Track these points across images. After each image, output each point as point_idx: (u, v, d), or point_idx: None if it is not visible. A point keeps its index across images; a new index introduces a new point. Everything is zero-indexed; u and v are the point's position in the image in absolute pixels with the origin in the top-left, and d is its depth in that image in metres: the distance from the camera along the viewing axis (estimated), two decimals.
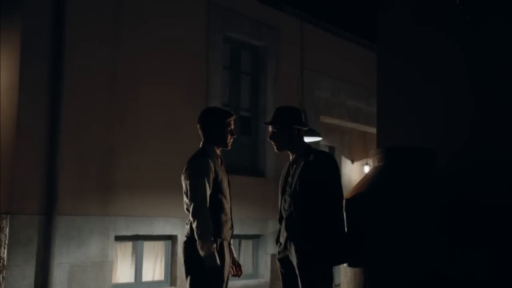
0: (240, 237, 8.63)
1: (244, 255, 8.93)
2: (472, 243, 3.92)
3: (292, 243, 4.05)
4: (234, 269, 4.41)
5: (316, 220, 3.96)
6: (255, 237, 8.97)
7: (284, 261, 4.18)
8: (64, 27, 6.71)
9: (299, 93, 9.55)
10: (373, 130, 11.96)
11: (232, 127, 4.32)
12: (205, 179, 4.09)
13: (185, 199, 4.21)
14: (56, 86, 6.63)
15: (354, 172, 13.24)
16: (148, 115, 7.52)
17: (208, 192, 4.10)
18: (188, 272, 4.17)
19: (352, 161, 13.35)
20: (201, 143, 4.31)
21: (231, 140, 4.34)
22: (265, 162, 9.11)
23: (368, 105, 11.22)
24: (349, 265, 4.05)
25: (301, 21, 9.92)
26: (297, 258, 3.98)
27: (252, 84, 9.37)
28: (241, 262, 8.65)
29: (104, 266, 6.92)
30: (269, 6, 9.37)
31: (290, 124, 4.18)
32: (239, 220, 7.30)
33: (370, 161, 13.35)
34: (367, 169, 13.23)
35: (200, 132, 4.31)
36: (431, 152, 4.15)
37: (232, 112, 4.39)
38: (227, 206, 4.26)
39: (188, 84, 8.07)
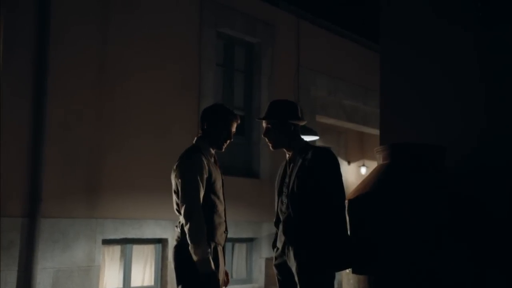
0: (233, 241, 8.49)
1: (238, 259, 8.79)
2: (487, 249, 3.67)
3: (290, 248, 3.78)
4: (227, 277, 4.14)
5: (316, 222, 3.69)
6: (249, 240, 8.83)
7: (281, 267, 3.91)
8: (49, 20, 6.54)
9: (294, 92, 9.45)
10: (370, 130, 12.01)
11: (233, 129, 4.10)
12: (198, 177, 3.83)
13: (175, 199, 3.96)
14: (40, 82, 6.45)
15: (351, 173, 13.09)
16: (137, 113, 7.35)
17: (202, 192, 3.85)
18: (179, 280, 3.91)
19: (349, 162, 13.24)
20: (196, 138, 4.07)
21: (227, 143, 4.10)
22: (260, 163, 8.99)
23: (366, 105, 11.17)
24: (352, 272, 3.80)
25: (297, 18, 9.81)
26: (297, 264, 3.71)
27: (246, 82, 9.24)
28: (234, 266, 8.73)
29: (91, 271, 6.74)
30: (264, 2, 9.23)
31: (286, 119, 3.90)
32: (233, 222, 7.15)
33: (367, 162, 13.43)
34: (364, 170, 13.13)
35: (199, 125, 4.10)
36: (440, 149, 3.89)
37: (237, 114, 4.16)
38: (220, 207, 4.01)
39: (179, 82, 7.91)
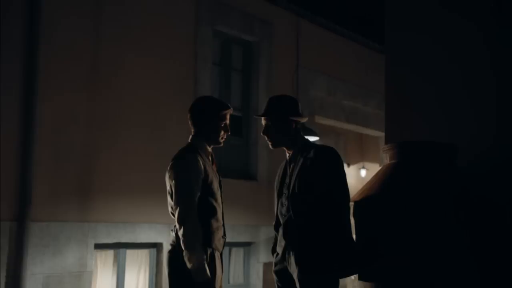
0: (230, 245, 8.39)
1: (235, 264, 8.71)
2: (504, 253, 3.46)
3: (291, 253, 3.60)
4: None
5: (319, 225, 3.52)
6: (246, 245, 8.73)
7: (282, 273, 3.72)
8: (39, 17, 6.42)
9: (293, 92, 9.36)
10: (370, 132, 11.91)
11: (227, 121, 3.87)
12: (194, 179, 3.63)
13: (170, 201, 3.75)
14: (29, 80, 6.33)
15: (350, 176, 12.91)
16: (131, 113, 7.25)
17: (197, 194, 3.64)
18: (173, 287, 3.72)
19: (348, 165, 13.12)
20: (190, 137, 3.86)
21: (225, 136, 3.88)
22: (257, 165, 8.90)
23: (366, 106, 11.11)
24: (358, 278, 3.62)
25: (296, 16, 9.74)
26: (298, 270, 3.53)
27: (244, 82, 9.15)
28: (231, 272, 8.69)
29: (83, 277, 6.63)
30: None
31: (286, 115, 3.74)
32: (229, 226, 6.92)
33: (367, 164, 13.29)
34: (363, 173, 13.01)
35: (190, 123, 3.85)
36: (452, 148, 3.68)
37: (229, 104, 3.91)
38: (218, 211, 3.79)
39: (174, 81, 7.80)
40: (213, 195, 3.73)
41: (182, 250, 3.56)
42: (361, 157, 13.27)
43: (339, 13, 10.34)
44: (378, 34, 10.35)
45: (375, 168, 12.65)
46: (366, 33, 10.78)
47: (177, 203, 3.59)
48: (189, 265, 3.52)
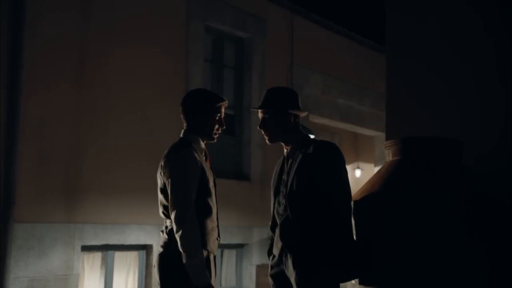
0: (222, 247, 8.32)
1: (227, 266, 8.64)
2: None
3: (289, 255, 3.40)
4: None
5: (318, 226, 3.33)
6: (239, 247, 8.68)
7: (278, 277, 3.52)
8: (24, 10, 6.32)
9: None
10: (364, 131, 11.87)
11: (222, 115, 3.67)
12: (191, 176, 3.42)
13: (162, 199, 3.54)
14: (13, 75, 6.22)
15: None
16: (119, 110, 7.15)
17: (194, 193, 3.44)
18: None
19: None
20: (182, 131, 3.66)
21: (219, 131, 3.68)
22: (250, 165, 8.84)
23: (360, 104, 11.07)
24: (359, 282, 3.43)
25: (290, 12, 9.70)
26: (296, 273, 3.33)
27: (236, 79, 9.09)
28: (223, 274, 8.57)
29: (69, 280, 6.52)
30: None
31: (284, 108, 3.52)
32: (222, 227, 6.77)
33: (362, 164, 13.16)
34: (358, 173, 12.93)
35: (182, 117, 3.66)
36: (456, 144, 3.50)
37: (223, 97, 3.72)
38: (213, 210, 3.60)
39: (165, 78, 7.72)
40: (209, 193, 3.54)
41: (175, 253, 3.37)
42: (356, 157, 13.19)
43: (334, 9, 10.32)
44: (374, 32, 10.27)
45: (370, 168, 12.52)
46: (362, 31, 10.74)
47: (174, 203, 3.38)
48: (189, 269, 3.32)
